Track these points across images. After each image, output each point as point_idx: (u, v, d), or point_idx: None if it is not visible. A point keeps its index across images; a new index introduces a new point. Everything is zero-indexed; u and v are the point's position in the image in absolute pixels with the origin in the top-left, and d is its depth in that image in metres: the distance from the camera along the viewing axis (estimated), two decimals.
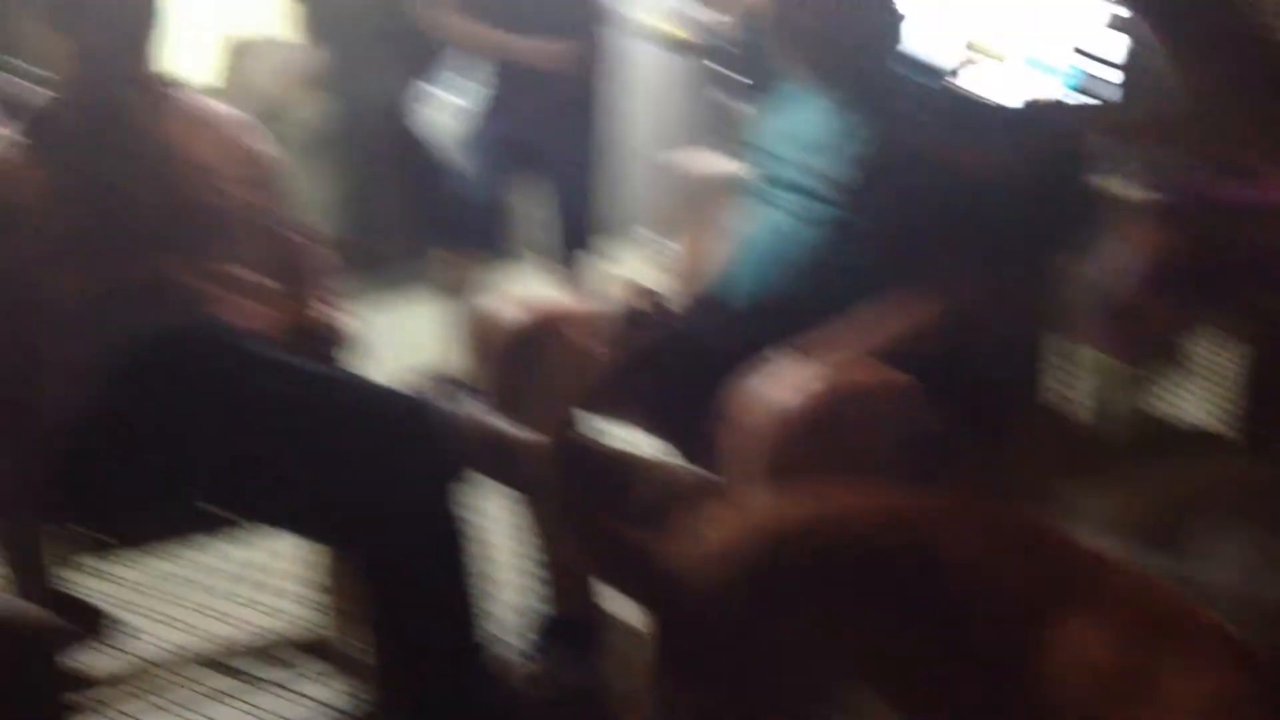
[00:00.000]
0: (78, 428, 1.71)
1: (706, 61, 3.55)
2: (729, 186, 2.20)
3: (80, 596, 1.90)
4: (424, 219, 4.98)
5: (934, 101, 1.55)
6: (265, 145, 2.03)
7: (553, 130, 3.47)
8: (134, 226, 1.82)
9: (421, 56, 4.70)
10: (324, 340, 1.91)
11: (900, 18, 1.67)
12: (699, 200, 2.82)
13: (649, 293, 1.84)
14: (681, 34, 5.06)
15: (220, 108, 2.03)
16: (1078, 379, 2.41)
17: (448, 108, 4.02)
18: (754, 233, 1.96)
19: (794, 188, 1.90)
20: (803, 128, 1.93)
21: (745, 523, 1.01)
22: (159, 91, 1.90)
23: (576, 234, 3.61)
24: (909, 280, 1.73)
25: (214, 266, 1.86)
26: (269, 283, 1.92)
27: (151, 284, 1.80)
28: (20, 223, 1.77)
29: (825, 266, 1.83)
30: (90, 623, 1.78)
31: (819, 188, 1.85)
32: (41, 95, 1.83)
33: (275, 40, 6.94)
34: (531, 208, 3.72)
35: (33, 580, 1.76)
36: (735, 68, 2.89)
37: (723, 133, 2.86)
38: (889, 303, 1.74)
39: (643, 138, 5.46)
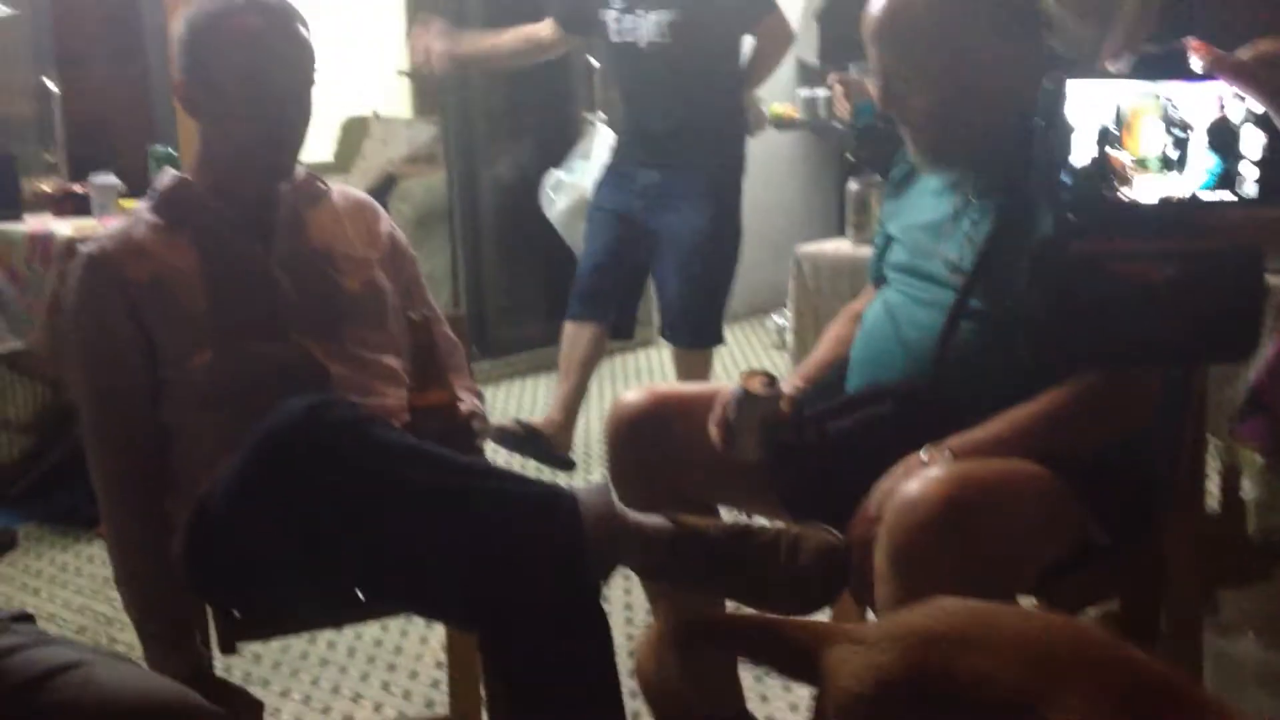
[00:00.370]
0: (213, 507, 1.75)
1: (848, 153, 3.49)
2: (860, 272, 2.19)
3: (223, 678, 1.94)
4: (547, 296, 5.07)
5: (1077, 193, 1.50)
6: (398, 231, 2.08)
7: (671, 207, 3.48)
8: (273, 308, 1.87)
9: (546, 133, 4.81)
10: (456, 423, 1.93)
11: (1041, 103, 1.64)
12: (828, 286, 2.82)
13: (772, 379, 1.83)
14: (806, 116, 5.10)
15: (355, 194, 2.08)
16: (1233, 479, 2.34)
17: (571, 186, 4.09)
18: (883, 320, 1.94)
19: (927, 276, 1.88)
20: (935, 214, 1.91)
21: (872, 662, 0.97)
22: (301, 179, 1.97)
23: (696, 314, 3.54)
24: (1051, 373, 1.70)
25: (349, 349, 1.90)
26: (401, 365, 1.96)
27: (288, 365, 1.84)
28: (163, 301, 1.83)
29: (960, 356, 1.80)
30: (235, 705, 1.81)
31: (952, 276, 1.83)
32: (188, 181, 1.90)
33: (392, 117, 7.16)
34: (654, 285, 3.73)
35: (177, 659, 1.80)
36: (866, 152, 2.88)
37: (855, 218, 2.85)
38: (1031, 395, 1.71)
39: (773, 221, 5.49)
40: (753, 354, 4.91)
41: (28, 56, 3.45)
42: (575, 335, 3.67)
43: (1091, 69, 1.07)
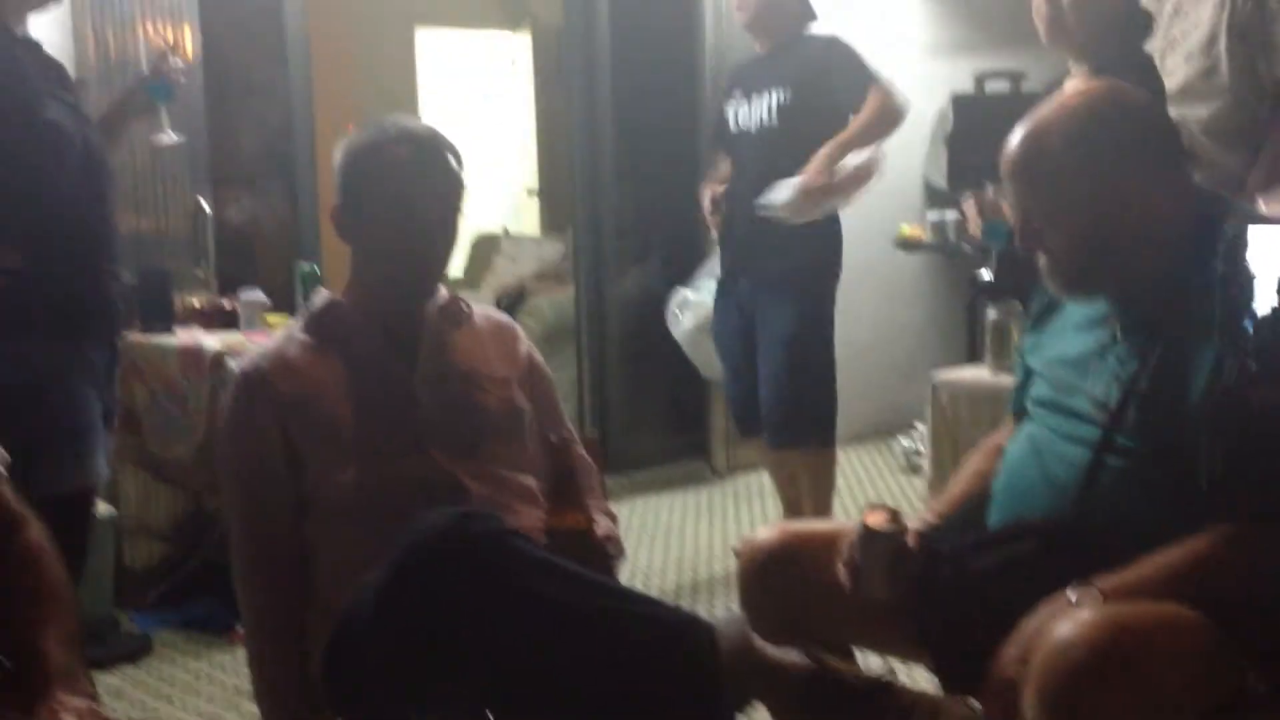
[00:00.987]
0: (355, 621, 1.76)
1: (983, 272, 3.46)
2: (999, 401, 2.15)
3: None
4: (672, 413, 5.09)
5: (1260, 341, 1.47)
6: (536, 353, 2.12)
7: (762, 310, 3.50)
8: (415, 426, 1.91)
9: (673, 252, 4.87)
10: (591, 547, 1.93)
11: (1222, 250, 1.60)
12: (967, 414, 2.78)
13: (896, 515, 1.79)
14: (935, 239, 5.09)
15: (497, 315, 2.14)
16: None
17: (697, 304, 4.12)
18: (1027, 454, 1.90)
19: (1073, 412, 1.84)
20: (1080, 349, 1.88)
21: None
22: (446, 300, 2.02)
23: (780, 414, 3.49)
24: (1197, 512, 1.64)
25: (487, 468, 1.93)
26: (538, 485, 1.98)
27: (429, 482, 1.87)
28: (312, 417, 1.89)
29: (1107, 495, 1.75)
30: None
31: (1098, 414, 1.79)
32: (339, 302, 1.97)
33: (521, 234, 7.32)
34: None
35: None
36: (1004, 279, 2.86)
37: (994, 346, 2.82)
38: (1181, 535, 1.65)
39: (901, 343, 5.46)
40: (880, 478, 4.84)
41: (186, 177, 3.62)
42: (761, 454, 3.74)
43: (1269, 215, 1.06)
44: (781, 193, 3.31)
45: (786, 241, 3.44)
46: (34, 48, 2.36)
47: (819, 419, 3.51)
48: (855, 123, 3.39)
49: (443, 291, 2.02)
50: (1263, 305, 1.26)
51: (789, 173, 3.34)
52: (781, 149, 3.39)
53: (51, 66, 2.38)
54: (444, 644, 1.67)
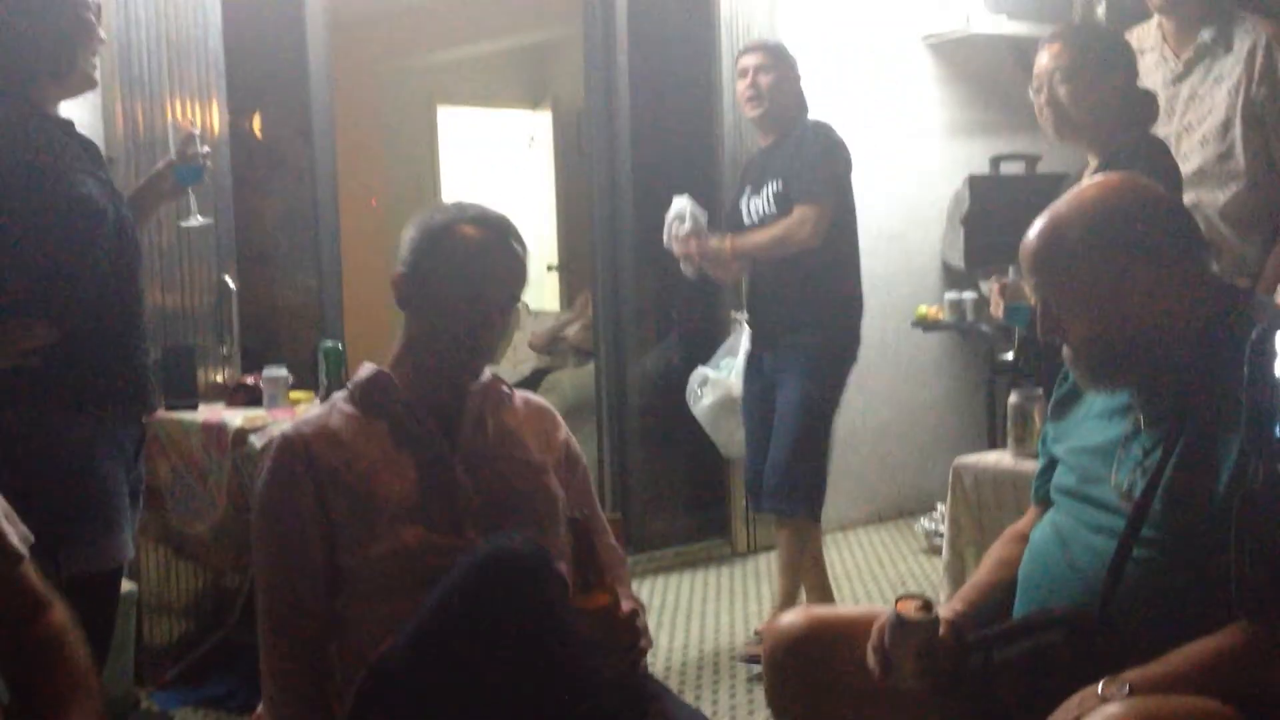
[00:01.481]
0: (390, 664, 1.76)
1: (1014, 356, 3.52)
2: (1021, 486, 2.15)
3: None
4: (692, 492, 5.08)
5: (1259, 432, 1.47)
6: (573, 440, 2.12)
7: (780, 384, 3.63)
8: (454, 506, 1.91)
9: (693, 330, 4.89)
10: (617, 625, 1.90)
11: (1249, 356, 1.60)
12: (990, 500, 2.77)
13: (928, 604, 1.79)
14: (953, 318, 5.10)
15: (536, 401, 2.15)
16: None
17: (717, 382, 4.14)
18: (1052, 543, 1.90)
19: (1097, 501, 1.84)
20: (1103, 438, 1.88)
21: None
22: (488, 381, 2.03)
23: (772, 480, 3.59)
24: (1224, 604, 1.63)
25: None
26: (568, 572, 1.97)
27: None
28: (349, 487, 1.88)
29: (1133, 585, 1.74)
30: None
31: (1123, 504, 1.78)
32: (385, 374, 1.98)
33: (542, 310, 7.36)
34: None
35: None
36: (1026, 363, 2.87)
37: (1016, 431, 2.82)
38: (1209, 628, 1.64)
39: (919, 423, 5.46)
40: (901, 559, 4.81)
41: (211, 253, 3.66)
42: (776, 530, 3.82)
43: None
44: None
45: (806, 322, 3.58)
46: (66, 126, 2.41)
47: (807, 491, 3.59)
48: (766, 232, 3.61)
49: (486, 372, 2.04)
50: None
51: (787, 260, 3.56)
52: None
53: (84, 144, 2.43)
54: (483, 670, 1.67)
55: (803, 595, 3.67)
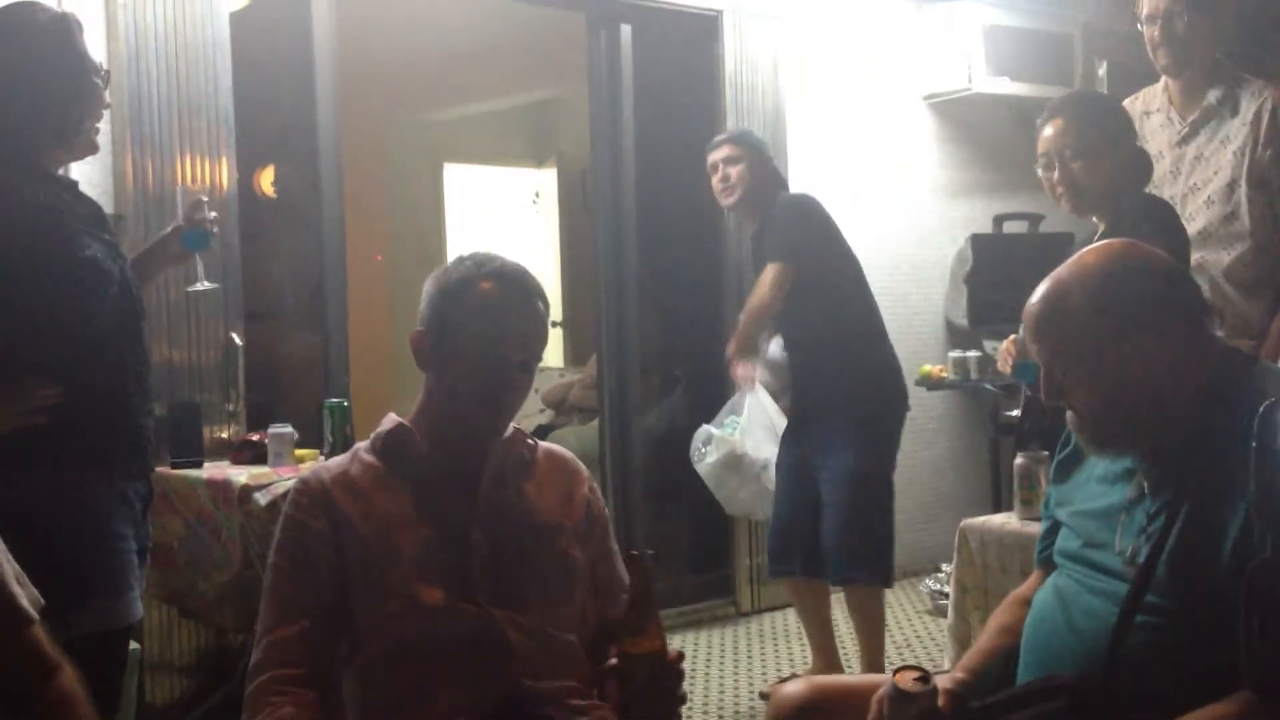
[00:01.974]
0: None
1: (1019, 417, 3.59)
2: (1028, 549, 2.14)
3: None
4: (695, 550, 5.06)
5: (1268, 504, 1.47)
6: (597, 495, 2.07)
7: (826, 451, 3.67)
8: (467, 570, 1.88)
9: (698, 388, 4.90)
10: (665, 671, 1.83)
11: (1258, 428, 1.61)
12: (996, 563, 2.76)
13: (926, 675, 1.77)
14: (957, 376, 5.11)
15: (560, 454, 2.08)
16: None
17: (721, 440, 4.14)
18: (1054, 607, 1.89)
19: (1100, 566, 1.84)
20: (1107, 502, 1.87)
21: None
22: (510, 435, 1.99)
23: (831, 549, 3.66)
24: (1228, 671, 1.62)
25: (533, 623, 1.88)
26: (580, 642, 1.95)
27: (472, 630, 1.84)
28: (364, 538, 1.86)
29: (1137, 651, 1.74)
30: None
31: (1126, 569, 1.78)
32: (407, 428, 1.94)
33: (546, 366, 7.37)
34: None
35: None
36: (1033, 429, 2.87)
37: (1022, 494, 2.81)
38: (1214, 693, 1.63)
39: (923, 481, 5.45)
40: (905, 620, 4.79)
41: (218, 310, 3.67)
42: (790, 591, 3.93)
43: None
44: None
45: (848, 395, 3.69)
46: (71, 187, 2.43)
47: (871, 556, 3.65)
48: (751, 299, 3.80)
49: (510, 428, 1.99)
50: None
51: (786, 331, 3.82)
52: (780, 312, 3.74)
53: (88, 204, 2.45)
54: None
55: (808, 657, 3.66)
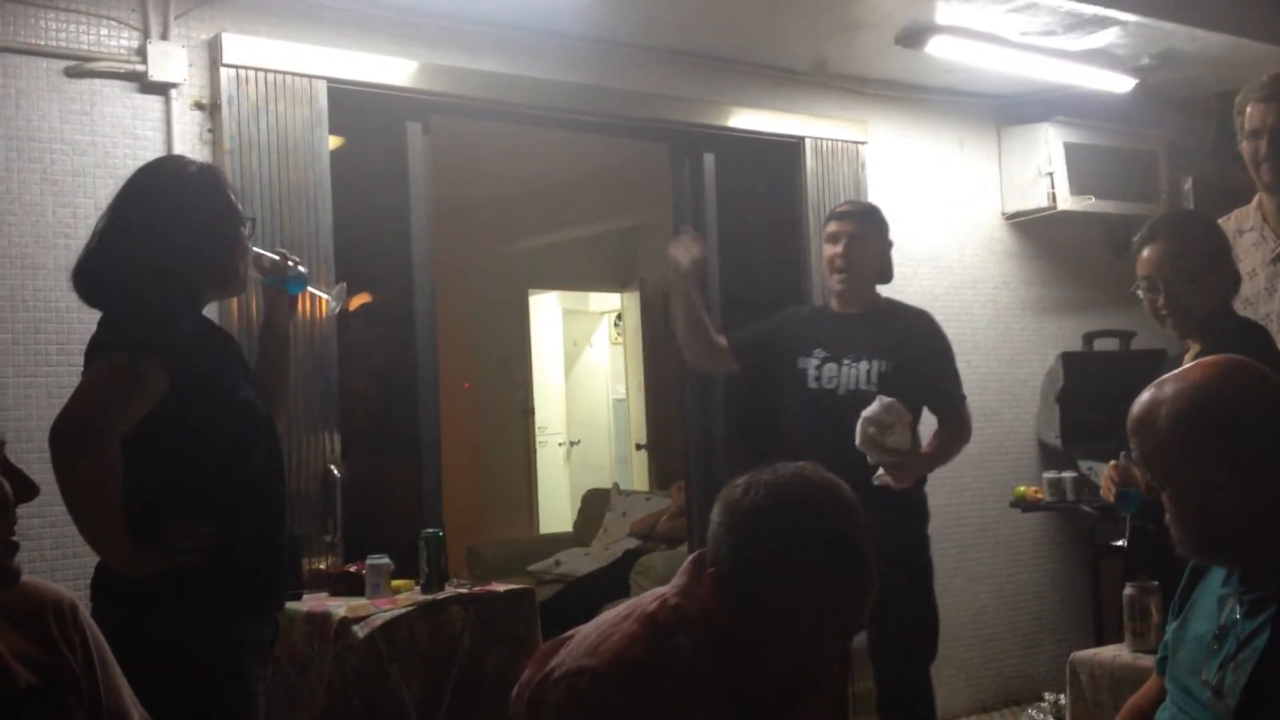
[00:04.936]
0: None
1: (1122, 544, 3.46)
2: (1142, 682, 2.09)
3: None
4: None
5: None
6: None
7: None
8: None
9: None
10: None
11: None
12: (1108, 699, 2.69)
13: None
14: (1053, 497, 5.02)
15: None
16: None
17: None
18: None
19: (1193, 695, 1.79)
20: (1209, 625, 1.82)
21: None
22: None
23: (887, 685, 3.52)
24: None
25: None
26: None
27: None
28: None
29: None
30: None
31: (1214, 702, 1.73)
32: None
33: (632, 489, 7.36)
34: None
35: None
36: (1143, 558, 2.81)
37: (1132, 625, 2.75)
38: None
39: (1022, 606, 5.33)
40: None
41: (317, 443, 3.73)
42: None
43: None
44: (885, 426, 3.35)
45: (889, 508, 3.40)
46: (222, 330, 2.54)
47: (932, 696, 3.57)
48: (943, 440, 3.63)
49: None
50: None
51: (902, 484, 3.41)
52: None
53: (233, 345, 2.55)
54: None
55: None
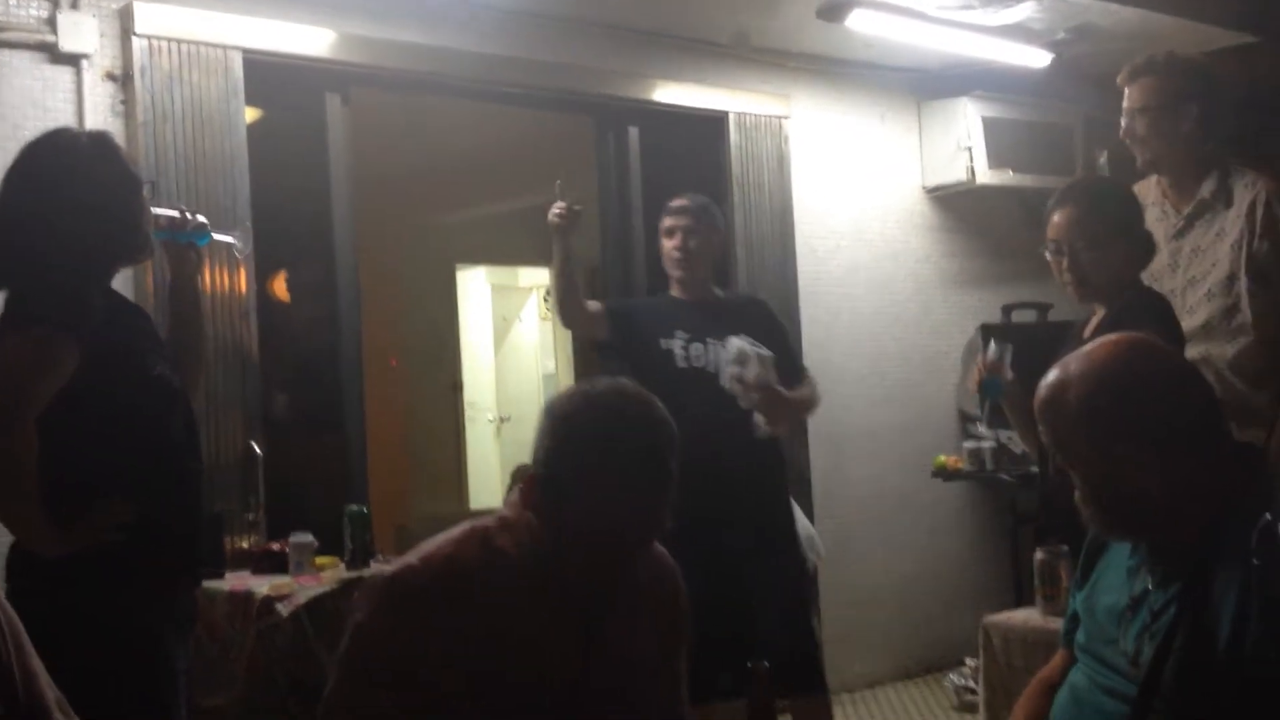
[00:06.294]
0: None
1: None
2: (1054, 645, 2.13)
3: None
4: None
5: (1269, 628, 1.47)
6: (685, 601, 1.98)
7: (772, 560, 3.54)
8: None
9: None
10: None
11: (1256, 544, 1.61)
12: (1020, 661, 2.74)
13: None
14: (972, 467, 5.11)
15: (658, 558, 1.94)
16: None
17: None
18: (1069, 707, 1.88)
19: (1108, 663, 1.83)
20: (1119, 597, 1.85)
21: None
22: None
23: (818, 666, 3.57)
24: None
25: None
26: None
27: None
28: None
29: None
30: None
31: (1131, 669, 1.77)
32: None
33: None
34: None
35: None
36: (1052, 524, 2.87)
37: (1044, 589, 2.80)
38: None
39: (943, 574, 5.41)
40: (932, 716, 4.73)
41: (238, 420, 3.69)
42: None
43: None
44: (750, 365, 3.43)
45: (761, 480, 3.56)
46: (133, 305, 2.50)
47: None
48: (807, 394, 3.68)
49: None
50: None
51: (739, 415, 3.46)
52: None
53: (145, 319, 2.50)
54: None
55: None
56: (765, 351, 3.48)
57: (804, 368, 3.82)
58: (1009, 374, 2.91)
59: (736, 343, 3.49)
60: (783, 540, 3.59)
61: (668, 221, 3.75)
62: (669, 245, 3.73)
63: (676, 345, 3.61)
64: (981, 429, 4.95)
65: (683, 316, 3.66)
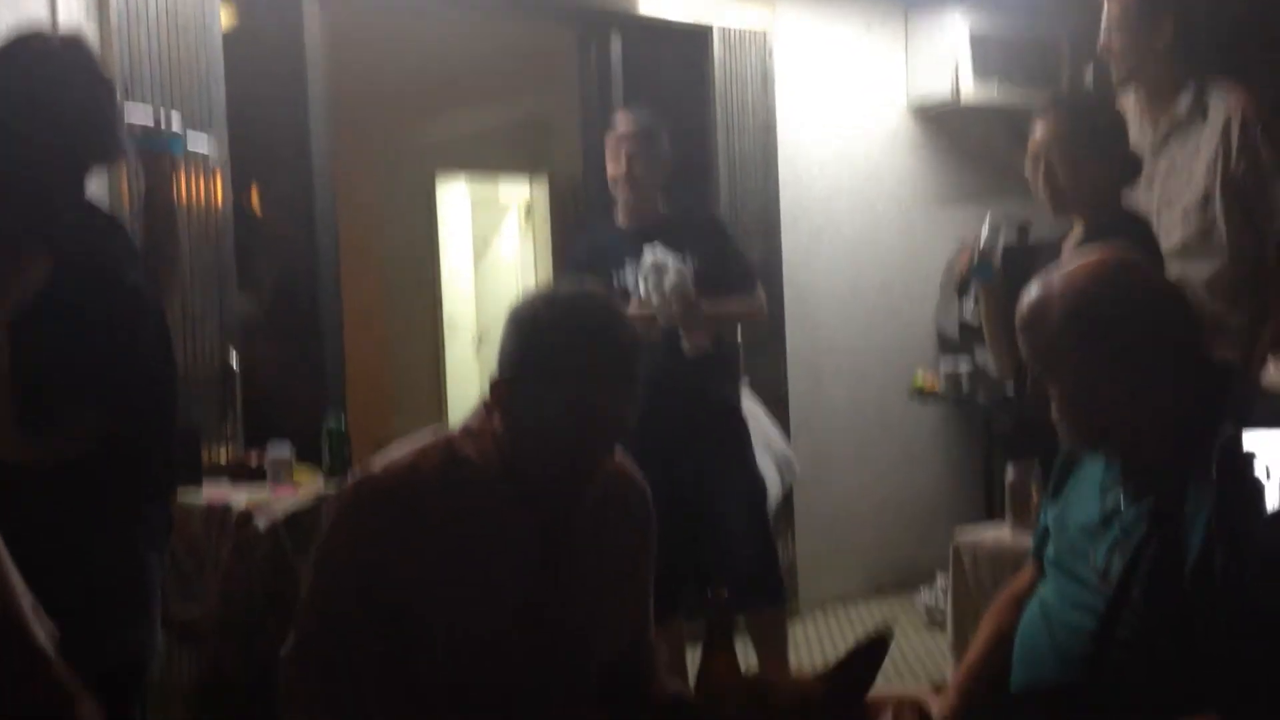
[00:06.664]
0: None
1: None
2: (1022, 563, 2.16)
3: None
4: None
5: (1266, 549, 1.48)
6: (653, 515, 1.97)
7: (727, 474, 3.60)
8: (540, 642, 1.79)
9: None
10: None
11: (1219, 465, 1.62)
12: (989, 580, 2.78)
13: (923, 712, 1.78)
14: (948, 389, 5.13)
15: (627, 473, 1.93)
16: None
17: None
18: (1037, 619, 1.91)
19: (1078, 578, 1.85)
20: (1090, 513, 1.88)
21: None
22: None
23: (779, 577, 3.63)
24: (1205, 688, 1.64)
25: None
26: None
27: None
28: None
29: (1114, 665, 1.75)
30: None
31: (1101, 584, 1.80)
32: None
33: None
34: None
35: None
36: (1025, 441, 2.88)
37: (1015, 506, 2.83)
38: (1193, 708, 1.65)
39: (917, 494, 5.46)
40: (902, 635, 4.78)
41: (213, 330, 3.67)
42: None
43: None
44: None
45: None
46: (100, 212, 2.44)
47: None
48: (735, 303, 3.65)
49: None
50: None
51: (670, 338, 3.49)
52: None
53: (118, 227, 2.46)
54: None
55: None
56: (679, 263, 3.46)
57: (753, 278, 3.74)
58: (999, 260, 2.82)
59: (650, 255, 3.48)
60: (734, 458, 3.61)
61: (613, 142, 3.69)
62: (614, 169, 3.68)
63: (629, 279, 3.59)
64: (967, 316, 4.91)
65: (631, 246, 3.62)
